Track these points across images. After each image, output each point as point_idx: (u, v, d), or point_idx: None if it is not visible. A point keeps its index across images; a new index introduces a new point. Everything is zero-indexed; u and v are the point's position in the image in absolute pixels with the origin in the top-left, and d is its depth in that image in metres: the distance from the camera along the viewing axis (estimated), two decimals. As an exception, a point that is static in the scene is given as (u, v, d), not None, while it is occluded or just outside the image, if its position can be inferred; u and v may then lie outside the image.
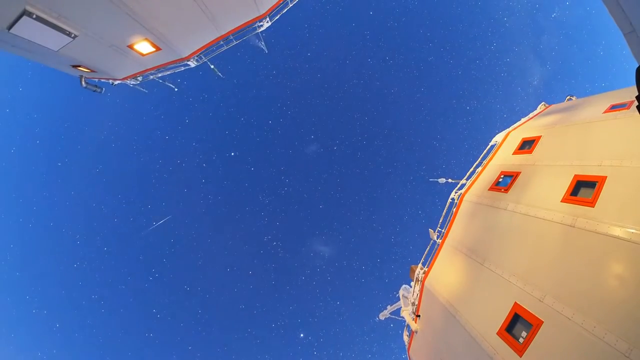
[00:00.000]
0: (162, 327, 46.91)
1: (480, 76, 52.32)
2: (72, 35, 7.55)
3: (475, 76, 52.36)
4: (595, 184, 6.97)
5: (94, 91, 10.85)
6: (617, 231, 5.86)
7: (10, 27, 6.39)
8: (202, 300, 48.79)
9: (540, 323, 6.33)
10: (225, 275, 50.58)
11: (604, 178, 6.88)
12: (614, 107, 8.31)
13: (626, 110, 7.74)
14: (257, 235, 51.98)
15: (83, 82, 10.42)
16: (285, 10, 11.61)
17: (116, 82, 11.54)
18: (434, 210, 51.53)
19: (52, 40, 7.37)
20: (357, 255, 52.64)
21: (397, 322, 47.78)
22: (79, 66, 9.54)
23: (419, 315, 11.51)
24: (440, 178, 16.38)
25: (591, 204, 6.74)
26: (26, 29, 6.58)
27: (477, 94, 52.66)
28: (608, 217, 6.25)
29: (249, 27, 11.29)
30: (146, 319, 46.69)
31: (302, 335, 49.02)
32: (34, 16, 6.34)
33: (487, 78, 52.34)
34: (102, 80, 11.13)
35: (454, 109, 53.46)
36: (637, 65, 4.16)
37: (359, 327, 50.93)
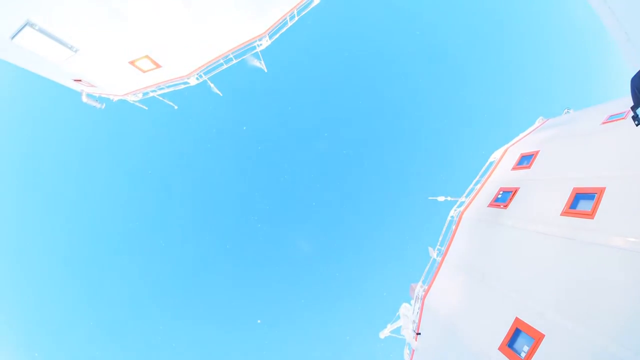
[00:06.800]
0: (126, 276, 45.80)
1: (503, 133, 51.94)
2: (74, 49, 7.71)
3: (499, 132, 51.00)
4: (594, 196, 6.91)
5: (95, 106, 10.98)
6: (617, 241, 5.76)
7: (13, 37, 6.54)
8: (172, 260, 47.52)
9: (541, 337, 6.13)
10: (202, 243, 49.12)
11: (602, 189, 6.83)
12: (611, 117, 8.37)
13: (623, 120, 7.77)
14: (244, 213, 50.45)
15: (84, 97, 10.56)
16: (285, 28, 11.92)
17: (116, 98, 11.69)
18: (424, 235, 50.09)
19: (53, 52, 7.50)
20: (335, 260, 50.99)
21: (352, 335, 46.36)
22: (80, 80, 9.70)
23: (420, 333, 11.15)
24: (439, 196, 16.35)
25: (590, 215, 6.68)
26: (28, 39, 6.71)
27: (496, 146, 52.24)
28: (608, 227, 6.17)
29: (249, 45, 11.54)
30: (112, 265, 45.58)
31: (259, 321, 47.49)
32: (37, 27, 6.51)
33: (511, 134, 52.12)
34: (103, 95, 11.27)
35: (470, 153, 52.56)
36: (632, 76, 4.18)
37: (316, 331, 48.99)
